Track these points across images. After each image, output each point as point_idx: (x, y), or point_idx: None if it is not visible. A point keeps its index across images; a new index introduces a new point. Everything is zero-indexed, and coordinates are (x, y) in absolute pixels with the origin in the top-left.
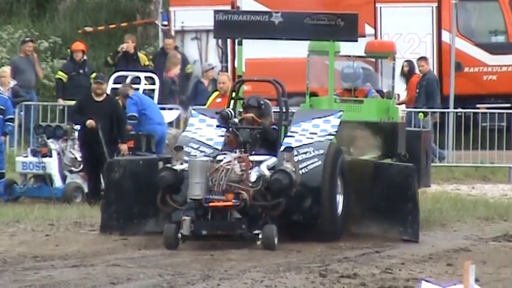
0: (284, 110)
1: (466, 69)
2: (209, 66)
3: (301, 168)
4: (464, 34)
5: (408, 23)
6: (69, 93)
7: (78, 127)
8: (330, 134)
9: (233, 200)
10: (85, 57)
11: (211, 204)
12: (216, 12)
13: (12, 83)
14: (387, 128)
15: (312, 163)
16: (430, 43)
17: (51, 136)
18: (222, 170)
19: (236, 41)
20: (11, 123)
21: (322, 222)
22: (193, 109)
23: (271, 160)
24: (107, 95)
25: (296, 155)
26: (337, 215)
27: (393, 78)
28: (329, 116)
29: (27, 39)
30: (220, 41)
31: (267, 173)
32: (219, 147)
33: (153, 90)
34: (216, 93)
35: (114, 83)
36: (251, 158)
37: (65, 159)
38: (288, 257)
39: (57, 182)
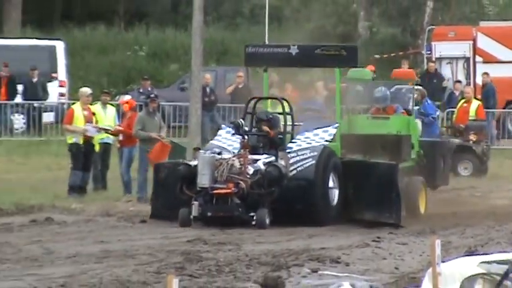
0: (290, 123)
1: None
2: (457, 81)
3: (299, 166)
4: None
5: None
6: None
7: None
8: (326, 140)
9: (233, 188)
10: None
11: (215, 191)
12: (247, 46)
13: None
14: (393, 140)
15: (307, 162)
16: None
17: None
18: (225, 164)
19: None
20: None
21: (317, 210)
22: (223, 124)
23: (269, 158)
24: None
25: (295, 156)
26: (330, 205)
27: (413, 99)
28: (328, 127)
29: None
30: (465, 63)
31: (263, 167)
32: (236, 151)
33: None
34: (463, 100)
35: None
36: (252, 156)
37: None
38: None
39: None
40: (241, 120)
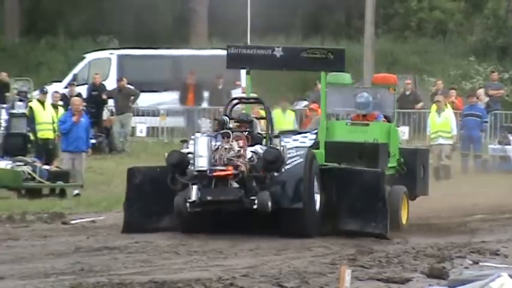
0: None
1: None
2: None
3: (287, 164)
4: None
5: None
6: None
7: None
8: (307, 144)
9: (233, 171)
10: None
11: (214, 173)
12: (229, 46)
13: (486, 99)
14: (370, 148)
15: (295, 160)
16: None
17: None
18: (223, 148)
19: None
20: None
21: (303, 212)
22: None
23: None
24: None
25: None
26: (314, 209)
27: (394, 106)
28: (307, 133)
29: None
30: None
31: (260, 150)
32: None
33: None
34: None
35: None
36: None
37: None
38: None
39: None
40: (225, 117)
